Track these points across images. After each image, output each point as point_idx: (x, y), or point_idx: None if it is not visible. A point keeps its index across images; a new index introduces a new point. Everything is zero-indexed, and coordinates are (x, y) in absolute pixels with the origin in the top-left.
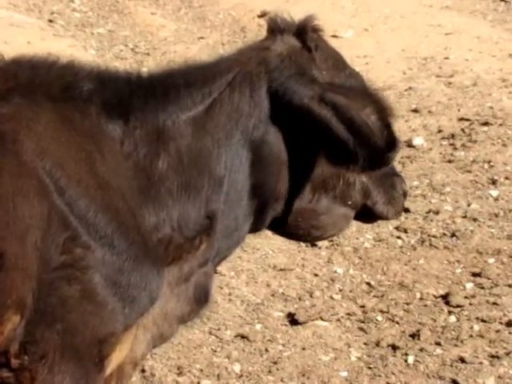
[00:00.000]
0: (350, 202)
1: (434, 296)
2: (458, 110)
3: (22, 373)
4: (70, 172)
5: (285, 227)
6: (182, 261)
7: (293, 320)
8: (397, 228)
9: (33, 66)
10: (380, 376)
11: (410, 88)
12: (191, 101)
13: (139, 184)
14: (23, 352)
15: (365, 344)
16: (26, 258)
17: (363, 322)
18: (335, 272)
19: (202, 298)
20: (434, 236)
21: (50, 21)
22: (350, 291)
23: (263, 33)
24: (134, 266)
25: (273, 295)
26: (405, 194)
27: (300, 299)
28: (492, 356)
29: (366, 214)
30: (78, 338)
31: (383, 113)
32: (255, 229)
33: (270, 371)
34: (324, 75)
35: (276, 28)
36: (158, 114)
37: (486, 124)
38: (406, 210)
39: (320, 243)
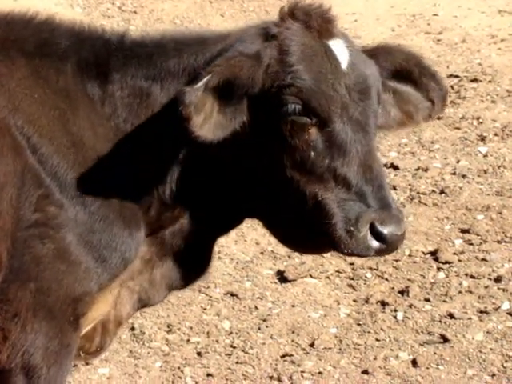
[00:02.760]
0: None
1: (423, 252)
2: (447, 67)
3: None
4: (42, 130)
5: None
6: (163, 231)
7: (282, 277)
8: None
9: (9, 21)
10: (369, 332)
11: (398, 45)
12: (184, 69)
13: (118, 146)
14: None
15: (354, 301)
16: (0, 216)
17: (352, 279)
18: None
19: (197, 269)
20: (423, 193)
21: None
22: None
23: None
24: (104, 226)
25: (262, 253)
26: (377, 235)
27: (289, 257)
28: (481, 311)
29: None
30: (51, 296)
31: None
32: (247, 212)
33: (259, 328)
34: (271, 62)
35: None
36: (138, 78)
37: (474, 81)
38: (396, 168)
39: None
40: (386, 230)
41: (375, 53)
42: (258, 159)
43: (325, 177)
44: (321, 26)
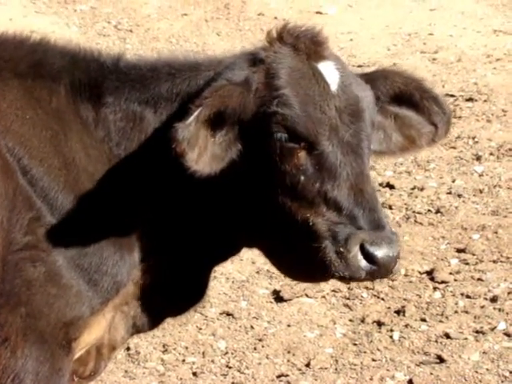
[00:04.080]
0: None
1: (419, 272)
2: (443, 86)
3: None
4: (33, 151)
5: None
6: (158, 257)
7: (278, 297)
8: (381, 204)
9: (2, 42)
10: (365, 352)
11: (394, 64)
12: (177, 94)
13: (110, 170)
14: None
15: (350, 320)
16: None
17: (348, 299)
18: None
19: (192, 298)
20: (419, 212)
21: None
22: None
23: (247, 9)
24: (95, 250)
25: (258, 272)
26: (367, 256)
27: (285, 276)
28: (477, 331)
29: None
30: (42, 320)
31: None
32: (246, 236)
33: (255, 348)
34: (259, 87)
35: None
36: (132, 101)
37: (470, 100)
38: (391, 187)
39: None
40: (376, 251)
41: (373, 77)
42: (250, 186)
43: (316, 201)
44: (309, 48)
